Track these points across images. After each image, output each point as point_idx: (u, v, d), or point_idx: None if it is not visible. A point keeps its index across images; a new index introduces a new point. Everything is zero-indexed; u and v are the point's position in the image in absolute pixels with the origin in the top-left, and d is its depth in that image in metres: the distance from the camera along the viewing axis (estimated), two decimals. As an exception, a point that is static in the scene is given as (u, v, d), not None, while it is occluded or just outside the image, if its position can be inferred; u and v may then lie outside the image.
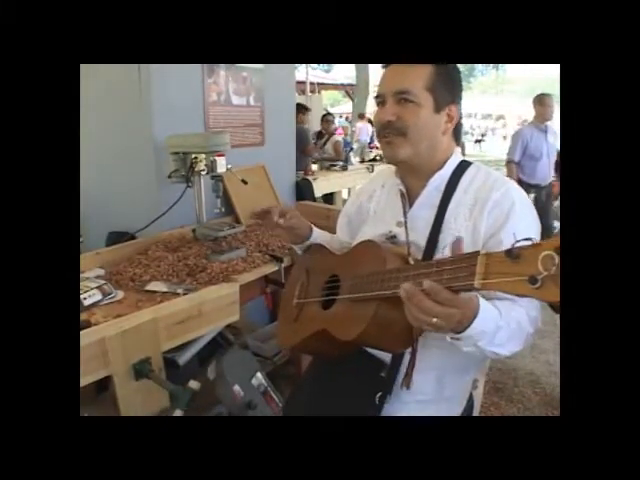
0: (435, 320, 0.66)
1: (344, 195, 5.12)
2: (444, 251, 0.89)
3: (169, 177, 1.76)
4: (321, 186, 4.18)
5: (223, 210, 1.84)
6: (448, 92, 0.92)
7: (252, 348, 1.96)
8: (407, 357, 0.92)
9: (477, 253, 0.61)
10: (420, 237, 0.93)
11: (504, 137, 14.37)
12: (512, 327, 0.77)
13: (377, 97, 0.95)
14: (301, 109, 4.47)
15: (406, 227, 0.94)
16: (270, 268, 1.70)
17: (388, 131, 0.92)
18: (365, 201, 1.12)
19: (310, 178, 3.51)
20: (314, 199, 3.07)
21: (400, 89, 0.90)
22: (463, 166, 0.97)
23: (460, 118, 0.96)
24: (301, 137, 4.77)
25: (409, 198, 0.98)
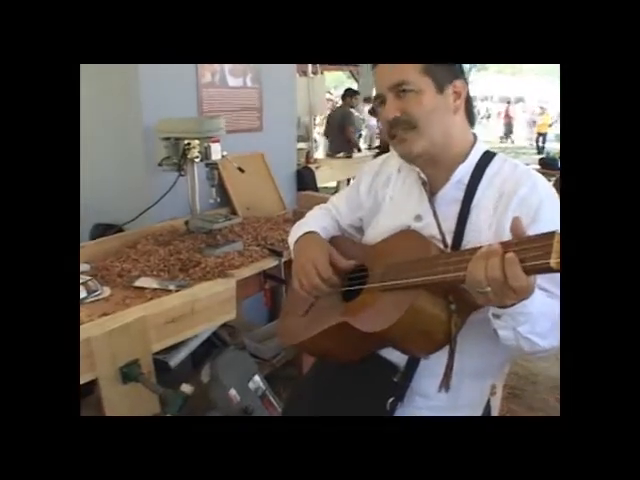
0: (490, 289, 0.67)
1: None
2: None
3: (160, 165, 1.76)
4: (324, 175, 4.17)
5: (218, 200, 1.84)
6: (447, 69, 0.90)
7: (249, 349, 1.97)
8: (432, 361, 0.91)
9: (554, 232, 0.61)
10: (445, 233, 0.92)
11: (532, 122, 13.86)
12: (555, 318, 0.75)
13: (376, 98, 0.94)
14: (350, 93, 5.74)
15: (436, 216, 0.93)
16: (269, 263, 1.70)
17: (396, 128, 0.92)
18: (381, 187, 1.09)
19: (312, 166, 3.50)
20: (316, 189, 3.05)
21: (396, 82, 0.89)
22: (487, 157, 0.95)
23: (468, 92, 0.95)
24: (344, 118, 5.50)
25: (430, 188, 0.97)
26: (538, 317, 0.75)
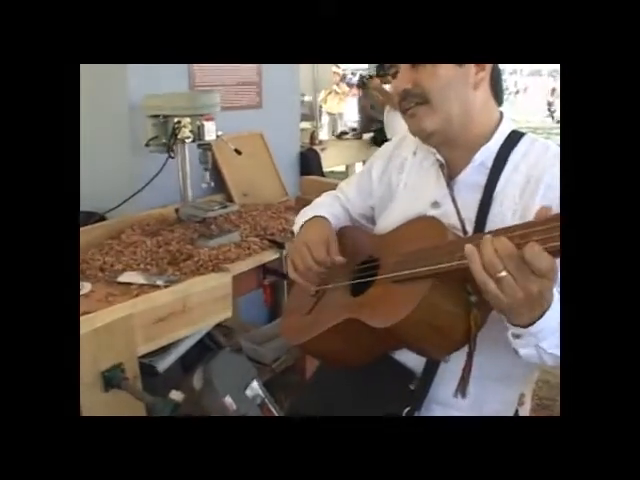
0: (504, 274, 0.67)
1: (358, 169, 5.08)
2: None
3: (147, 145, 1.75)
4: (331, 158, 4.14)
5: (212, 186, 1.85)
6: None
7: (247, 352, 1.97)
8: (453, 364, 0.90)
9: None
10: (465, 222, 0.92)
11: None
12: None
13: (388, 70, 0.95)
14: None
15: (455, 202, 0.94)
16: (269, 255, 1.70)
17: (407, 101, 0.92)
18: (395, 173, 1.10)
19: (317, 148, 3.47)
20: (322, 174, 3.05)
21: None
22: (514, 137, 0.94)
23: (495, 65, 0.93)
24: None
25: (448, 172, 0.98)
26: (558, 328, 0.73)
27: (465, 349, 0.85)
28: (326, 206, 1.19)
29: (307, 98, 4.91)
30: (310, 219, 1.14)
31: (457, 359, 0.87)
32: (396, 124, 3.83)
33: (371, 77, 4.07)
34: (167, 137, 1.72)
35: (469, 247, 0.70)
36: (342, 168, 5.37)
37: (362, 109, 5.09)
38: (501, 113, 0.97)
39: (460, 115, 0.91)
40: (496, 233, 0.70)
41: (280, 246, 1.72)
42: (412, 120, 0.94)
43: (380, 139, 4.14)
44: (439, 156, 0.98)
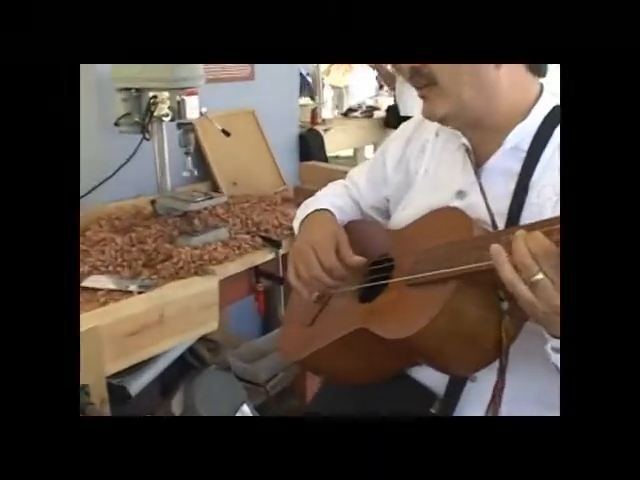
0: (540, 277, 0.67)
1: (368, 154, 5.08)
2: None
3: (116, 125, 1.74)
4: (336, 140, 4.14)
5: (195, 173, 1.84)
6: None
7: (236, 370, 1.97)
8: (481, 383, 0.91)
9: None
10: (495, 215, 0.93)
11: None
12: None
13: None
14: None
15: (483, 192, 0.95)
16: (263, 256, 1.70)
17: (415, 81, 0.95)
18: (414, 158, 1.12)
19: (320, 129, 3.48)
20: (325, 159, 3.06)
21: None
22: (556, 115, 0.94)
23: None
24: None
25: (475, 158, 0.99)
26: None
27: (496, 365, 0.85)
28: (330, 196, 1.20)
29: (307, 69, 4.90)
30: (311, 213, 1.15)
31: (486, 377, 0.87)
32: (407, 99, 3.82)
33: None
34: (141, 115, 1.71)
35: (496, 247, 0.71)
36: (349, 152, 5.37)
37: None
38: (541, 86, 0.97)
39: (476, 98, 0.92)
40: (530, 227, 0.70)
41: (276, 245, 1.71)
42: (423, 102, 0.97)
43: (394, 118, 4.13)
44: (464, 139, 0.99)
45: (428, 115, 0.98)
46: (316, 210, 1.15)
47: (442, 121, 0.98)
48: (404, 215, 1.06)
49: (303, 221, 1.16)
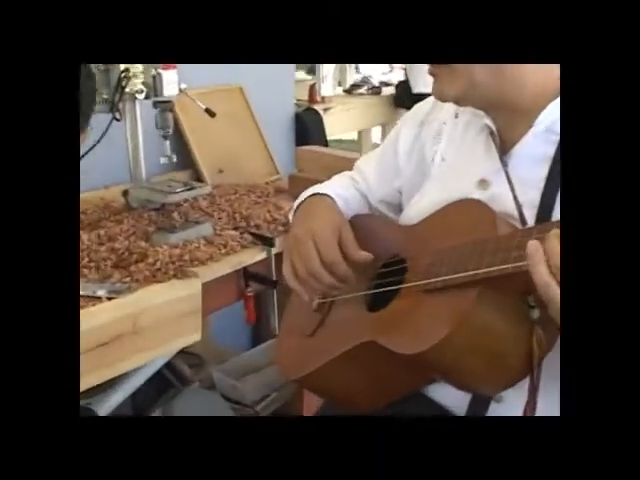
0: None
1: (375, 137, 5.08)
2: None
3: (83, 103, 1.73)
4: (338, 122, 4.13)
5: (175, 160, 1.84)
6: None
7: (222, 389, 1.98)
8: (507, 403, 0.93)
9: None
10: (523, 207, 0.94)
11: None
12: None
13: None
14: None
15: (510, 181, 0.95)
16: (252, 256, 1.70)
17: None
18: (429, 143, 1.13)
19: (319, 108, 3.46)
20: (325, 143, 3.06)
21: None
22: None
23: None
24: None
25: (501, 142, 1.00)
26: None
27: (525, 383, 0.85)
28: (337, 188, 1.21)
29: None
30: (310, 197, 1.16)
31: (514, 397, 0.89)
32: (419, 73, 3.80)
33: None
34: (110, 92, 1.70)
35: (533, 244, 0.71)
36: (353, 135, 5.38)
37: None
38: None
39: (490, 78, 0.94)
40: None
41: (268, 243, 1.71)
42: (433, 81, 0.99)
43: (405, 95, 4.12)
44: (488, 120, 1.00)
45: (438, 95, 1.00)
46: (317, 194, 1.16)
47: (456, 102, 1.01)
48: (418, 209, 1.07)
49: (299, 207, 1.16)
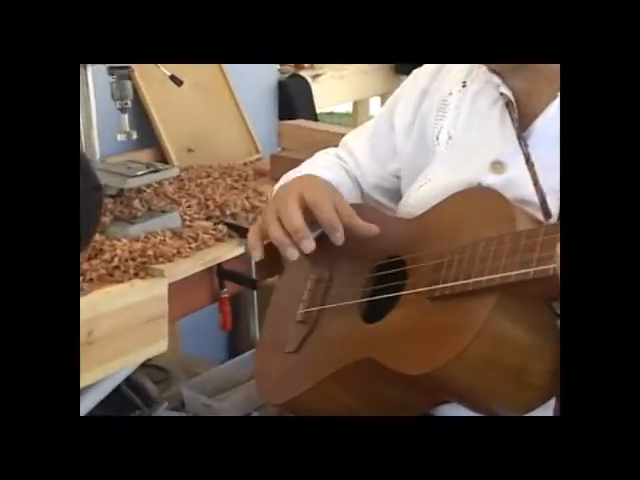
0: None
1: (373, 108, 5.07)
2: None
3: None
4: (329, 91, 4.10)
5: (135, 137, 1.85)
6: None
7: (193, 409, 1.98)
8: None
9: None
10: (544, 191, 0.93)
11: None
12: None
13: None
14: None
15: (530, 163, 0.95)
16: (228, 250, 1.71)
17: None
18: (432, 117, 1.13)
19: (306, 74, 3.44)
20: (315, 116, 3.02)
21: None
22: None
23: None
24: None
25: (519, 116, 0.99)
26: None
27: (551, 404, 0.86)
28: (323, 169, 1.18)
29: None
30: (295, 178, 1.13)
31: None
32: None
33: None
34: (60, 56, 1.73)
35: None
36: (348, 107, 5.34)
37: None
38: None
39: None
40: None
41: (246, 235, 1.66)
42: None
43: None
44: (505, 89, 0.99)
45: None
46: (302, 176, 1.13)
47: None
48: (420, 197, 1.07)
49: (279, 188, 1.13)
